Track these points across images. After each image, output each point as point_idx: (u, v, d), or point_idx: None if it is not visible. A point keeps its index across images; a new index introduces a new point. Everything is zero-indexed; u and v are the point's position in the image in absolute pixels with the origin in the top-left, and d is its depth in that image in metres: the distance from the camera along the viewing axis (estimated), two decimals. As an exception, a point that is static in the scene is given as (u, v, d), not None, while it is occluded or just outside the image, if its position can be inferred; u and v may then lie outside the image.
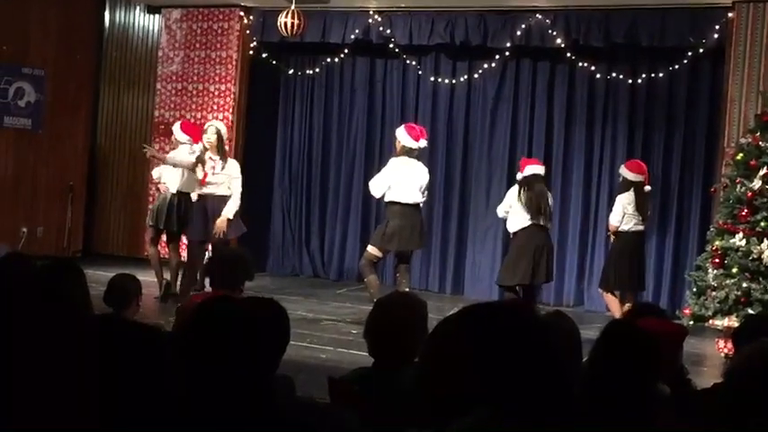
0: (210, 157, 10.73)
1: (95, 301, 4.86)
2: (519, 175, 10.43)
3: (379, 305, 4.13)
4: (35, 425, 2.68)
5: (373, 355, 3.92)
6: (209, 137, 10.74)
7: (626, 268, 10.49)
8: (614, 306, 10.50)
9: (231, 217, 10.66)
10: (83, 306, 4.06)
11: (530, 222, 10.29)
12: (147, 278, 10.88)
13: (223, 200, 10.68)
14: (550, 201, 10.52)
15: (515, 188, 10.43)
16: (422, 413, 2.70)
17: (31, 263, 5.04)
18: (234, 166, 10.93)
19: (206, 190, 10.72)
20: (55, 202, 13.85)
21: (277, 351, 3.36)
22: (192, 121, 14.26)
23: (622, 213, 10.45)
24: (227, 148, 11.29)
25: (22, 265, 4.84)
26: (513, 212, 10.36)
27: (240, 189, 10.81)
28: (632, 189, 10.51)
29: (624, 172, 10.70)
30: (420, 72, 13.60)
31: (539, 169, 10.46)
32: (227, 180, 10.72)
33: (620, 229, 10.50)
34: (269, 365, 3.27)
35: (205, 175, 10.66)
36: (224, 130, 11.15)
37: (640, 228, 10.58)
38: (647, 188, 10.67)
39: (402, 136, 10.66)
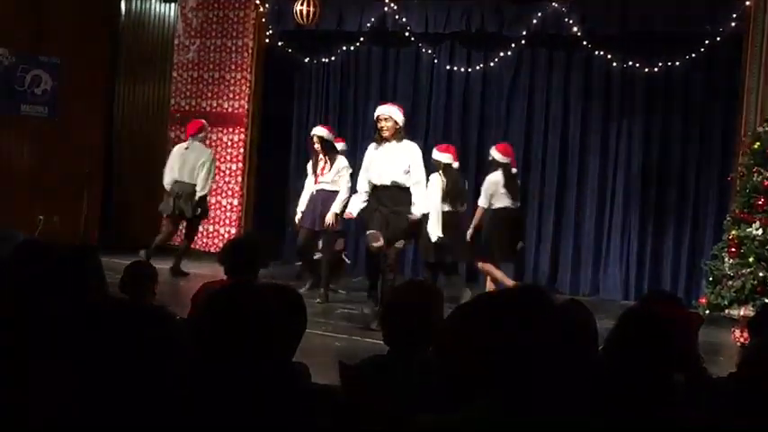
0: (320, 159, 11.45)
1: (112, 288, 4.87)
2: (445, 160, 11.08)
3: (395, 293, 4.13)
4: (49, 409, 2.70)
5: (388, 342, 3.92)
6: (315, 145, 11.48)
7: (505, 240, 10.96)
8: (497, 273, 10.93)
9: (338, 211, 11.07)
10: (100, 292, 4.07)
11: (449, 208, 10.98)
12: (163, 266, 10.93)
13: (331, 195, 11.24)
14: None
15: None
16: (435, 400, 2.70)
17: (47, 250, 5.05)
18: (340, 163, 11.38)
19: (317, 186, 11.41)
20: (71, 189, 13.87)
21: (293, 338, 3.37)
22: (208, 109, 14.30)
23: (490, 193, 10.93)
24: (337, 146, 11.71)
25: (39, 253, 4.86)
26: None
27: (346, 185, 11.17)
28: (500, 170, 10.93)
29: (494, 153, 11.13)
30: (435, 60, 13.58)
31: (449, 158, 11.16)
32: (335, 178, 11.28)
33: (493, 206, 10.94)
34: (286, 352, 3.28)
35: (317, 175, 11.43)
36: (325, 134, 11.55)
37: (513, 205, 11.05)
38: (514, 170, 11.21)
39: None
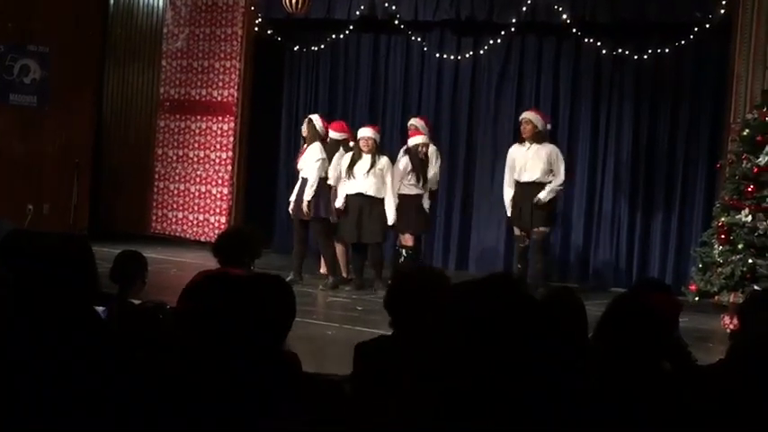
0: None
1: (101, 278, 4.86)
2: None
3: (401, 277, 4.14)
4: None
5: (393, 326, 3.93)
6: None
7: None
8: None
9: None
10: (91, 284, 4.06)
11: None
12: (152, 255, 10.90)
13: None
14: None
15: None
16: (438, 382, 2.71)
17: (36, 240, 5.03)
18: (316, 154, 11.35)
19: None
20: (61, 179, 13.85)
21: (283, 327, 3.37)
22: (197, 98, 14.29)
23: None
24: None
25: (27, 243, 4.84)
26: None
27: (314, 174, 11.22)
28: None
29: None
30: (425, 48, 13.56)
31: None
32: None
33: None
34: (277, 341, 3.28)
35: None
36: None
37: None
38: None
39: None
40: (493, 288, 2.56)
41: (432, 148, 11.68)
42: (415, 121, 11.98)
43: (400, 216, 11.10)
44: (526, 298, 2.60)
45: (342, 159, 11.26)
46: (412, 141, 11.34)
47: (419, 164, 11.21)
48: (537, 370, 2.53)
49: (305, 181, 11.22)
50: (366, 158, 11.09)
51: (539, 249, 10.96)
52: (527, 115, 11.22)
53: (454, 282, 3.07)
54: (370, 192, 11.06)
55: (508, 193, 11.15)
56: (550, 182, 10.87)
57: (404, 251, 11.14)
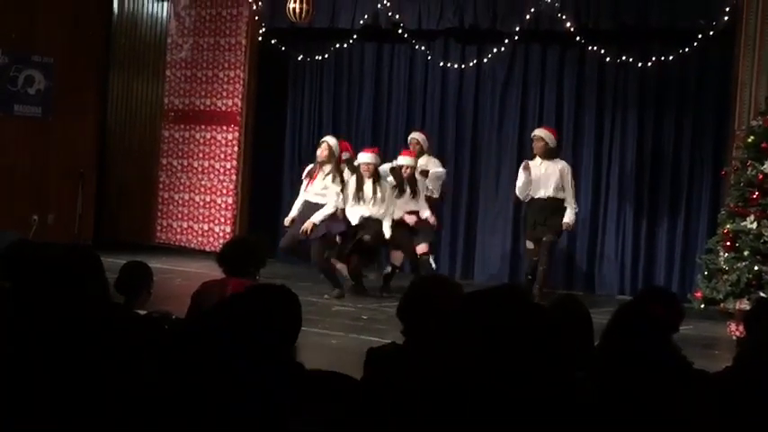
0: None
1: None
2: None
3: (415, 286, 4.13)
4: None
5: (405, 333, 3.93)
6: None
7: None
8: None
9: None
10: (101, 295, 4.07)
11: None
12: (158, 265, 10.91)
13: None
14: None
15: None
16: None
17: (39, 250, 5.05)
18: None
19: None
20: (65, 189, 13.88)
21: (289, 337, 3.37)
22: (202, 108, 14.32)
23: None
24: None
25: (30, 253, 4.86)
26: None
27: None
28: None
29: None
30: (429, 57, 13.57)
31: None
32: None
33: None
34: (285, 351, 3.28)
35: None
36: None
37: None
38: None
39: None
40: (501, 299, 2.56)
41: (424, 160, 11.91)
42: (416, 135, 12.16)
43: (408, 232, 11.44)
44: (533, 309, 2.60)
45: (349, 182, 11.39)
46: (399, 160, 11.60)
47: (402, 182, 11.45)
48: (543, 378, 2.53)
49: (316, 205, 11.33)
50: (369, 183, 11.30)
51: (546, 252, 11.06)
52: (539, 133, 11.46)
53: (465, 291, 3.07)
54: (377, 215, 11.33)
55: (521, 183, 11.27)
56: (563, 198, 11.11)
57: (426, 260, 11.40)
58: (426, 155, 12.05)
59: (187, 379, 2.78)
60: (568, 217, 11.11)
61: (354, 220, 11.28)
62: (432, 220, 11.58)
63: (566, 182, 11.16)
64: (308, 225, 11.18)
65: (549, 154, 11.24)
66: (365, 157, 11.43)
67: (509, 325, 2.45)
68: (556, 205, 11.12)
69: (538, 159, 11.24)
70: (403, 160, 11.55)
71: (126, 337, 3.78)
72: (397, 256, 11.61)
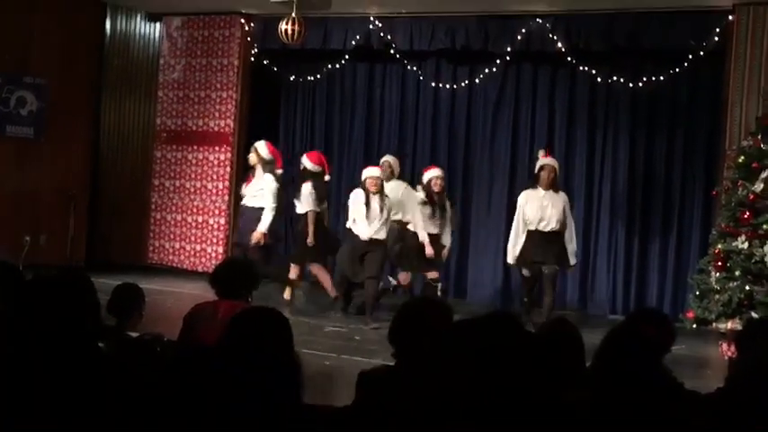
0: None
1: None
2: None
3: (405, 308, 4.13)
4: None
5: (397, 357, 3.93)
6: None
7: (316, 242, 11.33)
8: (323, 276, 11.38)
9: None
10: (92, 317, 4.06)
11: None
12: (150, 286, 10.90)
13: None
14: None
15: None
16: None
17: (20, 273, 5.05)
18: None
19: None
20: (58, 210, 13.85)
21: (280, 359, 3.37)
22: (194, 128, 14.32)
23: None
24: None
25: (9, 276, 4.86)
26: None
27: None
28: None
29: (305, 162, 11.53)
30: (421, 77, 13.61)
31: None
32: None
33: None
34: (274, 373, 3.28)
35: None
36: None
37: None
38: (327, 177, 11.63)
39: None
40: (493, 327, 2.57)
41: (394, 184, 11.62)
42: (388, 158, 11.93)
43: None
44: (525, 336, 2.61)
45: (311, 192, 11.26)
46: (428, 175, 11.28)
47: (432, 198, 11.13)
48: (534, 399, 2.53)
49: (255, 209, 11.34)
50: (376, 199, 10.96)
51: (551, 283, 10.74)
52: (551, 162, 11.02)
53: (456, 314, 3.07)
54: (381, 236, 11.03)
55: (518, 242, 10.90)
56: (563, 232, 10.80)
57: (436, 285, 11.21)
58: (396, 179, 11.80)
59: (177, 407, 2.79)
60: (572, 258, 10.92)
61: (364, 236, 10.96)
62: (446, 251, 11.41)
63: (568, 216, 10.88)
64: (257, 236, 11.15)
65: (555, 185, 10.93)
66: (371, 171, 11.18)
67: (500, 352, 2.46)
68: (557, 238, 10.76)
69: (541, 190, 10.84)
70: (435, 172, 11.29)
71: (117, 358, 3.79)
72: (405, 278, 11.40)
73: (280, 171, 11.71)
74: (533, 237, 10.77)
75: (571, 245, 10.92)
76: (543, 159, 11.02)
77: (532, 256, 10.76)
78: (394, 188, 11.58)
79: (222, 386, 3.01)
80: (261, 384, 3.05)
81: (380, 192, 11.01)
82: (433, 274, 11.22)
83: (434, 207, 11.10)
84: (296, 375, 3.23)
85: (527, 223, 10.79)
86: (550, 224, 10.71)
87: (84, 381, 3.06)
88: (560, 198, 10.84)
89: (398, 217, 11.39)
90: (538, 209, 10.72)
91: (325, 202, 11.52)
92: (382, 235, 11.00)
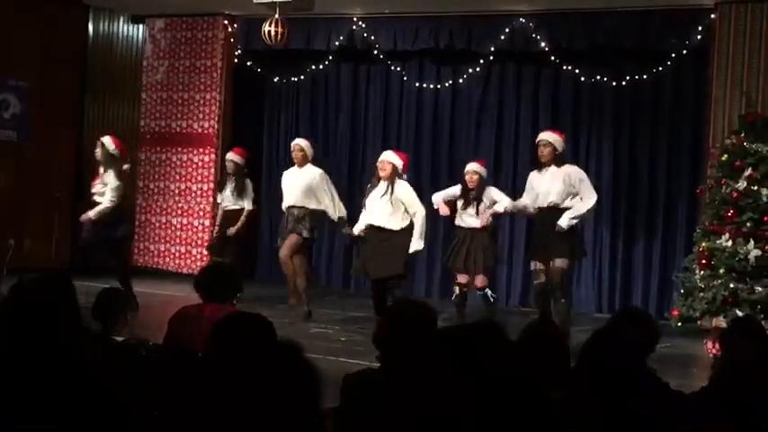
0: None
1: (84, 313, 4.84)
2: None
3: (390, 312, 4.13)
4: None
5: (382, 360, 3.93)
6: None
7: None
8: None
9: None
10: (73, 320, 4.06)
11: None
12: (135, 289, 10.90)
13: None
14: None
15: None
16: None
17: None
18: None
19: None
20: (42, 213, 13.78)
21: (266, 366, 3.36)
22: (178, 130, 14.29)
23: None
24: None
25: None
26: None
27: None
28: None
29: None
30: (405, 77, 13.62)
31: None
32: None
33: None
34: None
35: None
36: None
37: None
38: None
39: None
40: (476, 336, 2.58)
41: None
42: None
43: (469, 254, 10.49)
44: (508, 346, 2.62)
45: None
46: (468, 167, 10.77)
47: (467, 191, 10.61)
48: (518, 401, 2.54)
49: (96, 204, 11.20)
50: (382, 185, 10.31)
51: (557, 287, 9.87)
52: (546, 137, 10.12)
53: (440, 318, 3.08)
54: (382, 223, 10.36)
55: (521, 202, 10.37)
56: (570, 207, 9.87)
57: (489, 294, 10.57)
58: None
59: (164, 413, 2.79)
60: (564, 219, 9.76)
61: (359, 229, 10.56)
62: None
63: (580, 187, 9.86)
64: (84, 217, 11.20)
65: (557, 160, 9.96)
66: (386, 155, 10.50)
67: (482, 359, 2.47)
68: (558, 214, 9.81)
69: (543, 170, 10.05)
70: (469, 166, 10.70)
71: (103, 363, 3.77)
72: (464, 278, 10.61)
73: (126, 166, 11.42)
74: (539, 216, 10.12)
75: (572, 210, 9.84)
76: (540, 135, 10.33)
77: (538, 247, 10.11)
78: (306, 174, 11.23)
79: (211, 393, 3.01)
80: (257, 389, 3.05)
81: (391, 180, 10.31)
82: (480, 280, 10.54)
83: (467, 200, 10.60)
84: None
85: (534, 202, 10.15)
86: (549, 197, 9.87)
87: (66, 385, 3.05)
88: (562, 171, 9.90)
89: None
90: (538, 186, 10.03)
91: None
92: (386, 223, 10.37)
